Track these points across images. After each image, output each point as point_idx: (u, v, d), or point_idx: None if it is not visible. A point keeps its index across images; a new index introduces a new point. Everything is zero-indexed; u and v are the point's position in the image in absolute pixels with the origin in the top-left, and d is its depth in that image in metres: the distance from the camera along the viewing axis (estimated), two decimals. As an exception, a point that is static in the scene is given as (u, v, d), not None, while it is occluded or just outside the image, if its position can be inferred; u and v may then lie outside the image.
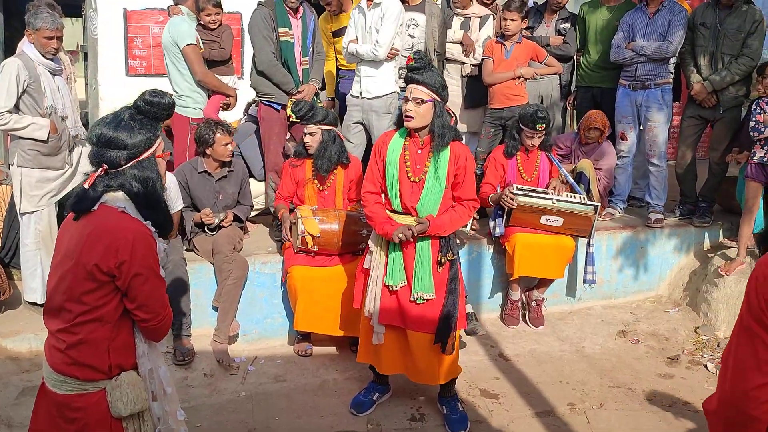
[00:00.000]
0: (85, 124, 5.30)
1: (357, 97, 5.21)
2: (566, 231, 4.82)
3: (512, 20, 5.28)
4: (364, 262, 3.73)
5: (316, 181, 4.52)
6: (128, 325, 2.25)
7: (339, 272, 4.34)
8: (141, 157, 2.22)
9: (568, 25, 5.81)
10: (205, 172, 4.63)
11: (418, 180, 3.53)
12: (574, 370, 4.49)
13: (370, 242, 3.69)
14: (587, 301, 5.35)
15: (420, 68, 3.41)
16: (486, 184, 5.01)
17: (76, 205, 2.20)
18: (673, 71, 5.59)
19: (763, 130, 4.76)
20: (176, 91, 4.99)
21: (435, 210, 3.53)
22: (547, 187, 4.94)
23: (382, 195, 3.66)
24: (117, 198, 2.19)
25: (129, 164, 2.21)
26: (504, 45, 5.38)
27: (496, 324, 5.09)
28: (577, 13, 6.02)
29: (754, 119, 4.83)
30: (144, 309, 2.21)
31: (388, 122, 5.21)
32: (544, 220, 4.75)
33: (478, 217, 5.18)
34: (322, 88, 5.50)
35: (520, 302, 5.09)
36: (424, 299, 3.58)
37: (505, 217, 4.82)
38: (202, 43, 5.09)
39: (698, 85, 5.36)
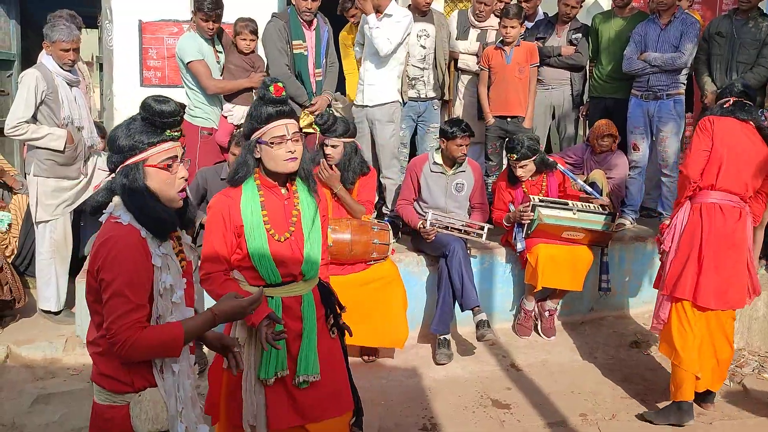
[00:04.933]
0: (105, 134, 5.35)
1: (360, 106, 5.25)
2: (586, 242, 4.83)
3: (512, 27, 5.38)
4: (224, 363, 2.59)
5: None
6: None
7: (351, 281, 4.36)
8: (127, 162, 2.12)
9: (579, 35, 5.82)
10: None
11: None
12: (586, 381, 4.47)
13: (236, 335, 2.72)
14: (599, 311, 5.33)
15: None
16: (496, 210, 5.07)
17: (88, 202, 2.21)
18: (685, 82, 5.59)
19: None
20: (188, 103, 5.05)
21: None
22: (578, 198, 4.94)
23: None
24: (117, 205, 2.15)
25: (119, 168, 2.14)
26: (504, 50, 5.46)
27: (508, 334, 5.08)
28: (590, 24, 6.03)
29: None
30: (105, 317, 2.07)
31: (391, 131, 5.26)
32: (565, 234, 4.76)
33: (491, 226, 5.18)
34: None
35: (533, 312, 5.09)
36: (308, 381, 2.75)
37: (525, 229, 4.82)
38: (233, 67, 5.08)
39: (712, 95, 5.35)
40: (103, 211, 2.18)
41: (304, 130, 5.02)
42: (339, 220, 4.46)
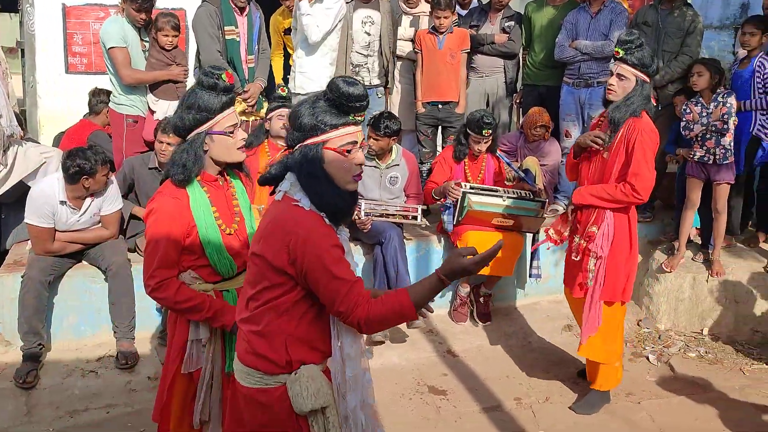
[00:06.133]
0: (21, 123, 5.12)
1: (293, 93, 5.19)
2: (516, 229, 4.88)
3: (445, 18, 5.41)
4: (183, 366, 2.70)
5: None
6: (309, 319, 2.11)
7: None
8: (307, 142, 2.06)
9: (512, 23, 5.87)
10: (156, 168, 4.55)
11: None
12: (520, 365, 4.55)
13: (199, 336, 2.69)
14: (533, 296, 5.42)
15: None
16: (431, 182, 5.05)
17: (263, 176, 2.17)
18: (615, 70, 5.69)
19: (692, 127, 4.88)
20: (113, 91, 4.89)
21: None
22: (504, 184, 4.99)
23: None
24: (293, 185, 2.09)
25: (298, 146, 2.09)
26: (437, 35, 5.48)
27: (444, 320, 5.11)
28: (523, 12, 6.09)
29: (684, 119, 4.96)
30: (329, 300, 2.04)
31: None
32: (496, 221, 4.80)
33: (426, 207, 5.19)
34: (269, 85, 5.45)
35: (468, 298, 5.13)
36: None
37: (456, 214, 4.84)
38: (155, 61, 4.87)
39: (639, 82, 5.47)
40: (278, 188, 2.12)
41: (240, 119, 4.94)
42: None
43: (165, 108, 4.79)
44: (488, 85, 6.01)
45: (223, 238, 2.64)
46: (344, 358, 2.11)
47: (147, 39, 4.90)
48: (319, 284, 2.01)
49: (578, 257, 3.87)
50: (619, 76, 3.66)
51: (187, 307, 2.59)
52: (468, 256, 2.07)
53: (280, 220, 2.04)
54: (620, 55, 3.64)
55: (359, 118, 2.08)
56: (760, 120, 5.03)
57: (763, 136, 5.06)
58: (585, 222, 3.86)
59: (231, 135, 2.61)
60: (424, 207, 4.90)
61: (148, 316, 4.41)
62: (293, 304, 2.08)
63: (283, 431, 2.13)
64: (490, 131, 4.83)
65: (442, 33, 5.47)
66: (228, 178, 2.76)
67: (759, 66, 5.04)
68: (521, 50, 6.10)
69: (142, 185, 4.56)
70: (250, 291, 2.12)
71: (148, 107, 4.88)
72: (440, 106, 5.61)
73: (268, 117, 4.51)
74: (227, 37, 4.99)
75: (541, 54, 5.90)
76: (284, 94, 4.46)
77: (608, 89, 3.71)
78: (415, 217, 4.79)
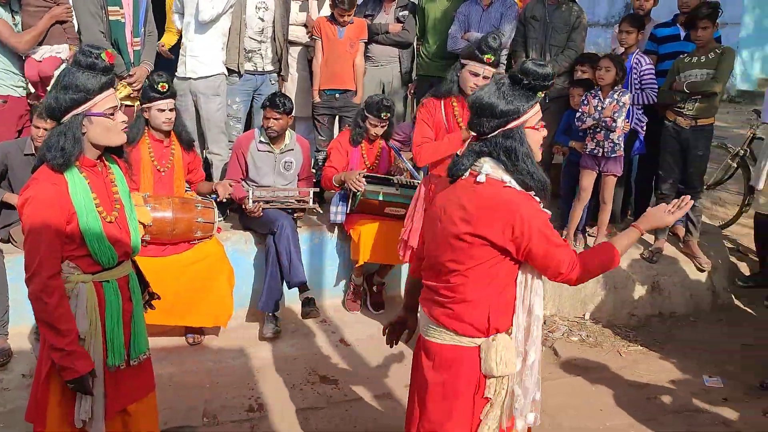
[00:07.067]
0: None
1: (182, 78, 5.04)
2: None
3: (348, 16, 5.44)
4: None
5: (155, 162, 4.37)
6: (508, 290, 2.35)
7: (173, 262, 4.19)
8: (509, 126, 2.27)
9: (406, 12, 5.91)
10: (32, 155, 4.29)
11: None
12: (411, 352, 4.59)
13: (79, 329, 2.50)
14: (426, 284, 5.49)
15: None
16: (330, 167, 5.01)
17: (452, 169, 2.38)
18: (505, 62, 5.84)
19: (585, 119, 5.07)
20: None
21: None
22: (389, 174, 5.02)
23: None
24: (495, 169, 2.29)
25: (496, 132, 2.28)
26: (338, 24, 5.48)
27: (338, 310, 5.11)
28: (417, 3, 6.14)
29: (580, 110, 5.14)
30: (552, 265, 2.31)
31: (217, 104, 5.10)
32: (388, 209, 4.82)
33: (319, 190, 5.17)
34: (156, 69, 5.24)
35: (362, 287, 5.15)
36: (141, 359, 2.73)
37: (350, 203, 4.84)
38: (33, 9, 4.57)
39: (528, 75, 5.62)
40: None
41: (123, 103, 4.73)
42: (159, 198, 4.27)
43: (44, 51, 4.60)
44: (384, 74, 6.03)
45: (104, 226, 2.54)
46: (534, 319, 2.39)
47: (17, 9, 4.61)
48: (540, 254, 2.27)
49: None
50: (485, 77, 3.85)
51: (57, 325, 2.41)
52: (666, 212, 2.50)
53: (497, 202, 2.26)
54: (492, 61, 3.84)
55: (542, 95, 2.32)
56: (636, 114, 5.29)
57: (639, 129, 5.33)
58: None
59: (111, 117, 2.49)
60: (317, 189, 4.87)
61: (22, 309, 4.15)
62: (500, 277, 2.33)
63: (463, 384, 2.37)
64: (389, 114, 4.87)
65: (343, 26, 5.48)
66: (107, 163, 2.65)
67: (636, 63, 5.29)
68: (415, 41, 6.15)
69: (18, 172, 4.29)
70: (453, 266, 2.34)
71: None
72: (337, 95, 5.60)
73: (145, 107, 4.36)
74: (111, 17, 4.78)
75: (435, 45, 5.97)
76: (164, 91, 4.31)
77: (473, 89, 3.75)
78: (306, 202, 4.76)
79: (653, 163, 5.50)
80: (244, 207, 4.64)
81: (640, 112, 5.33)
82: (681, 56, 5.23)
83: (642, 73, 5.28)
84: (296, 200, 4.76)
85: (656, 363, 4.60)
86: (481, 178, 2.29)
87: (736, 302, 5.52)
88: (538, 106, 2.32)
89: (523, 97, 2.27)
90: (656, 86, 5.27)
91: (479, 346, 2.35)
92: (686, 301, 5.39)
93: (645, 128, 5.37)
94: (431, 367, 2.43)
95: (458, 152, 2.40)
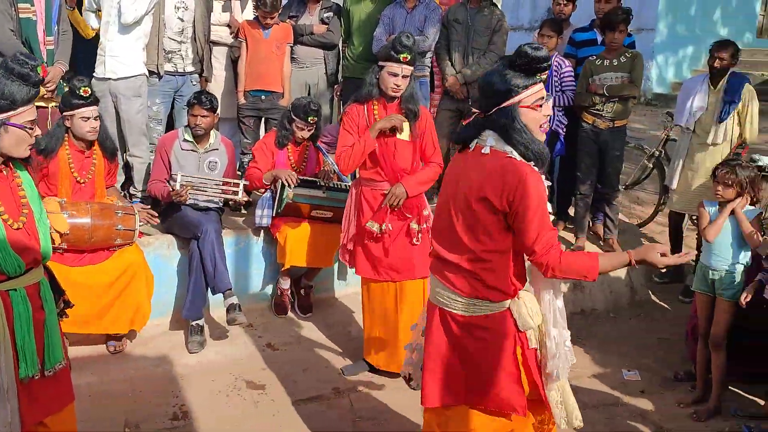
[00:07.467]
0: None
1: (102, 78, 4.89)
2: (335, 220, 4.90)
3: (271, 18, 5.43)
4: None
5: (75, 173, 4.25)
6: (521, 256, 2.55)
7: (90, 271, 4.06)
8: (504, 104, 2.43)
9: (331, 14, 5.90)
10: None
11: None
12: (341, 355, 4.58)
13: None
14: (354, 286, 5.44)
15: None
16: (254, 168, 4.94)
17: (459, 137, 2.65)
18: (429, 65, 5.90)
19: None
20: None
21: None
22: (316, 176, 4.99)
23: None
24: (498, 141, 2.46)
25: (495, 109, 2.45)
26: (262, 27, 5.47)
27: (265, 314, 5.05)
28: (342, 4, 6.13)
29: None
30: (528, 238, 2.43)
31: (138, 106, 4.97)
32: (315, 212, 4.80)
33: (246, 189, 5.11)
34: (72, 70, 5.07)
35: (289, 290, 5.10)
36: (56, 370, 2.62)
37: (276, 206, 4.79)
38: None
39: (452, 78, 5.71)
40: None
41: (36, 104, 4.54)
42: (77, 204, 4.12)
43: None
44: (309, 76, 6.01)
45: (9, 233, 2.44)
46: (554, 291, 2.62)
47: None
48: (524, 223, 2.40)
49: (419, 241, 4.11)
50: (405, 77, 3.93)
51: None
52: (660, 254, 2.50)
53: (500, 170, 2.42)
54: (408, 59, 3.89)
55: (544, 77, 2.48)
56: (557, 116, 5.44)
57: (560, 130, 5.48)
58: (414, 207, 4.10)
59: (29, 131, 2.43)
60: (246, 182, 4.80)
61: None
62: (512, 245, 2.50)
63: (505, 344, 2.54)
64: (316, 118, 4.84)
65: (267, 27, 5.46)
66: (12, 167, 2.54)
67: (556, 66, 5.44)
68: (341, 42, 6.15)
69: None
70: (468, 234, 2.50)
71: None
72: (263, 96, 5.55)
73: (67, 115, 4.19)
74: (21, 15, 4.61)
75: (360, 47, 5.98)
76: (87, 96, 4.16)
77: (395, 89, 3.93)
78: (236, 192, 4.69)
79: (573, 164, 5.66)
80: (171, 190, 4.51)
81: (561, 113, 5.47)
82: (591, 58, 5.41)
83: (562, 75, 5.44)
84: (225, 191, 4.68)
85: (579, 358, 4.70)
86: (486, 150, 2.48)
87: (653, 298, 5.74)
88: (537, 87, 2.45)
89: (519, 78, 2.42)
90: (575, 88, 5.43)
91: (508, 308, 2.55)
92: (606, 298, 5.57)
93: (565, 130, 5.52)
94: (464, 339, 2.58)
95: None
